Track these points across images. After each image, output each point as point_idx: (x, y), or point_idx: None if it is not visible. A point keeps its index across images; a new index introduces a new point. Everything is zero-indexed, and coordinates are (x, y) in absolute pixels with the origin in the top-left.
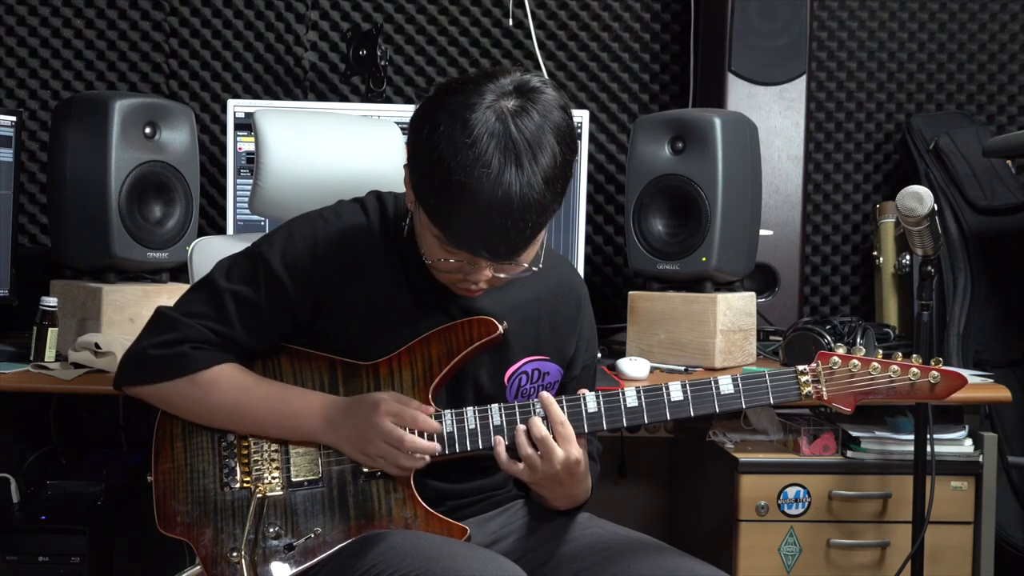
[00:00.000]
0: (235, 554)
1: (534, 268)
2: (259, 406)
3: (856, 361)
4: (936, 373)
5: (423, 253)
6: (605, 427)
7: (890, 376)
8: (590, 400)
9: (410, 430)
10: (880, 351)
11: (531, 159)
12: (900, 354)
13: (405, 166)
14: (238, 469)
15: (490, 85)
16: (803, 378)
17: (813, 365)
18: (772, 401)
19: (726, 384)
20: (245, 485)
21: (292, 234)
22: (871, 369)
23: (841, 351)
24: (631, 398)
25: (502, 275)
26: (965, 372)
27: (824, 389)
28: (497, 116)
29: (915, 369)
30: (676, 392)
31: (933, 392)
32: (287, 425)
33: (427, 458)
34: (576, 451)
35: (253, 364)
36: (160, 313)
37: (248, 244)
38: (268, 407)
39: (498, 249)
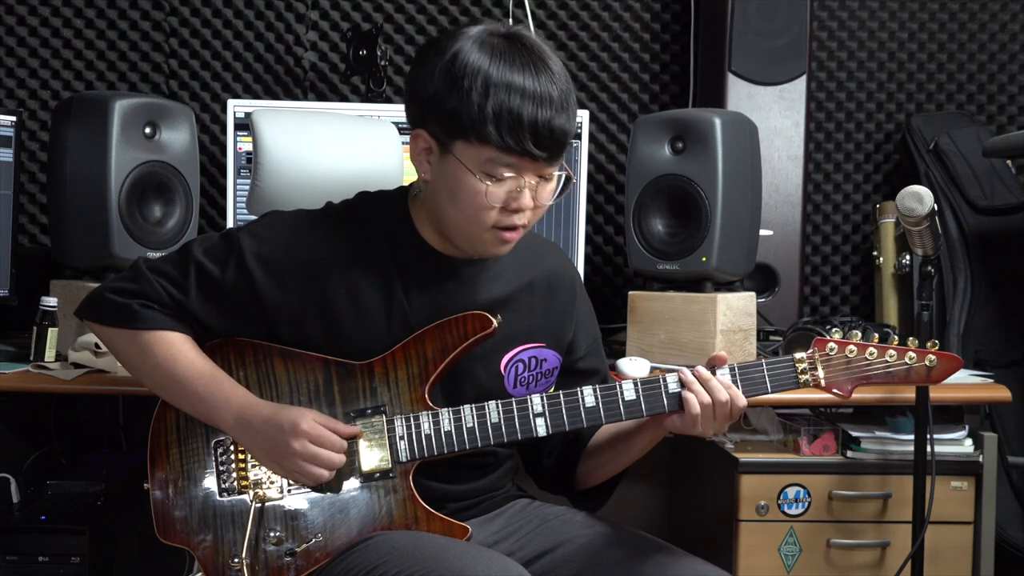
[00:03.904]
0: (236, 560)
1: (558, 195)
2: (183, 382)
3: (852, 347)
4: (932, 356)
5: (465, 205)
6: (604, 421)
7: (887, 360)
8: (587, 395)
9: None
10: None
11: (551, 58)
12: (896, 338)
13: (416, 132)
14: (236, 475)
15: (468, 28)
16: (800, 366)
17: (810, 352)
18: (770, 389)
19: (723, 374)
20: (244, 491)
21: (274, 229)
22: (868, 354)
23: (837, 336)
24: (628, 391)
25: (543, 195)
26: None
27: (821, 375)
28: (503, 34)
29: (912, 353)
30: (673, 384)
31: (930, 375)
32: (201, 409)
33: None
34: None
35: (247, 369)
36: (135, 262)
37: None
38: (190, 387)
39: (545, 137)
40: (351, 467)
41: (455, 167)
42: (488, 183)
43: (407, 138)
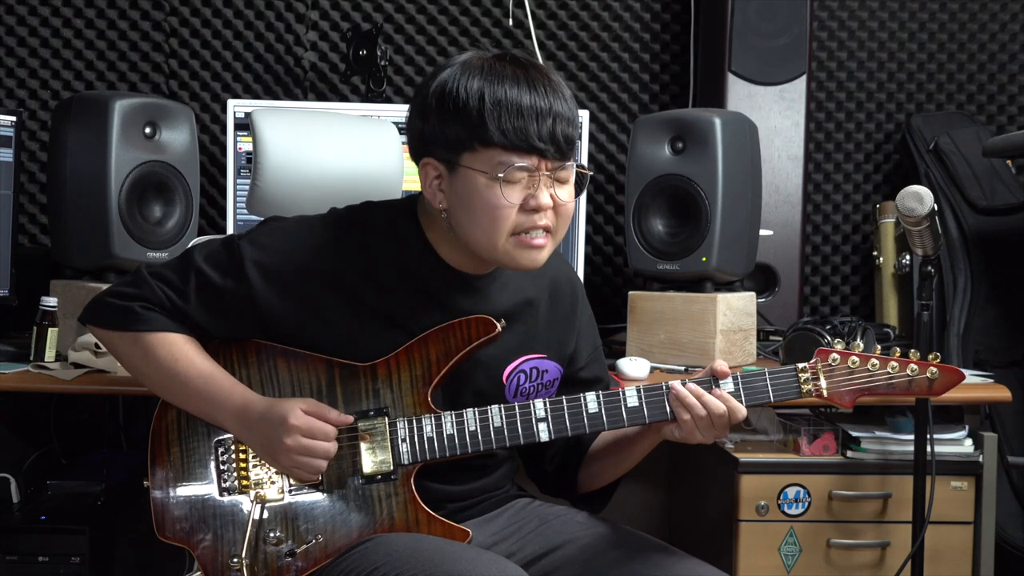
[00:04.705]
0: (235, 560)
1: (576, 195)
2: (185, 382)
3: (855, 358)
4: (934, 369)
5: (481, 213)
6: (607, 427)
7: (888, 372)
8: (590, 401)
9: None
10: (879, 349)
11: (544, 68)
12: (898, 350)
13: (423, 163)
14: (236, 474)
15: (454, 58)
16: (803, 376)
17: (812, 362)
18: (772, 399)
19: (727, 384)
20: (244, 491)
21: (276, 236)
22: (870, 365)
23: (839, 347)
24: (632, 398)
25: (562, 194)
26: (965, 372)
27: (824, 386)
28: (493, 55)
29: (913, 365)
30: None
31: (931, 388)
32: (203, 409)
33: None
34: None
35: (249, 369)
36: (137, 268)
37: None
38: (191, 386)
39: (548, 134)
40: (353, 468)
41: (466, 177)
42: (501, 182)
43: (406, 138)
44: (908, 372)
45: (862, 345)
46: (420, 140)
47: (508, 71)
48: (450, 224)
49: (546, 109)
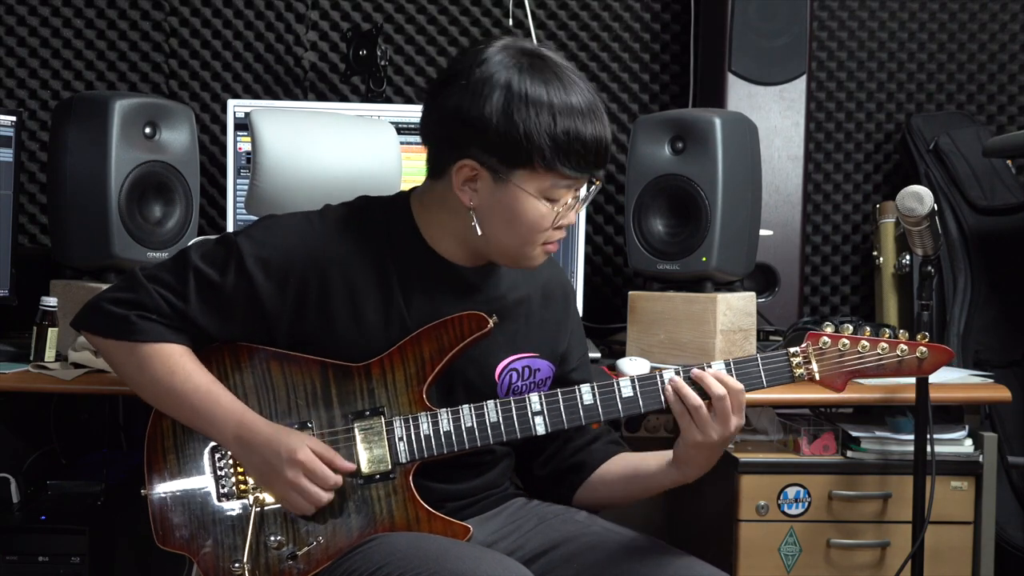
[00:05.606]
0: (237, 565)
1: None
2: (180, 396)
3: (845, 340)
4: (923, 348)
5: (525, 228)
6: (602, 418)
7: (878, 353)
8: (585, 392)
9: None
10: (868, 331)
11: (575, 70)
12: (888, 331)
13: (461, 164)
14: (234, 480)
15: (493, 53)
16: (795, 360)
17: (804, 346)
18: (765, 384)
19: (719, 367)
20: (243, 496)
21: (272, 231)
22: (860, 347)
23: (829, 330)
24: (626, 388)
25: (580, 209)
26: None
27: (816, 369)
28: (534, 54)
29: (903, 346)
30: (670, 378)
31: (921, 367)
32: (198, 424)
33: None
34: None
35: (243, 373)
36: (132, 271)
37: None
38: (187, 400)
39: (602, 155)
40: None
41: (515, 194)
42: (551, 205)
43: (405, 138)
44: (898, 352)
45: (851, 328)
46: (464, 136)
47: (575, 98)
48: (475, 220)
49: (599, 127)
